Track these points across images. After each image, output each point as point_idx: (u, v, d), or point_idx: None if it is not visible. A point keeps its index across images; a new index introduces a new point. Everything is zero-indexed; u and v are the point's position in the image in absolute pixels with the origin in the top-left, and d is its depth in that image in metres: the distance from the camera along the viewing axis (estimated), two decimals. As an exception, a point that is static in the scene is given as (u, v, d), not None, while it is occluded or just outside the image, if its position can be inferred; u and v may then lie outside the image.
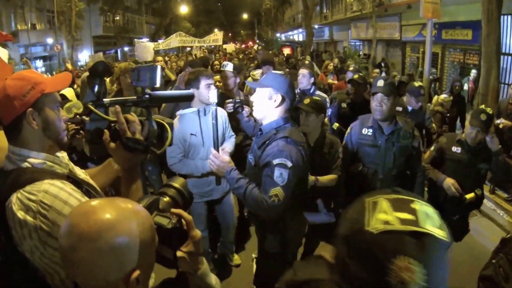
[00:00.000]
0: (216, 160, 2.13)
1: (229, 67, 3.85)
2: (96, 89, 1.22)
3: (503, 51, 9.08)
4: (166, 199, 1.09)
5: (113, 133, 1.22)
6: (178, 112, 3.01)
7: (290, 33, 35.53)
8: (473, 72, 8.82)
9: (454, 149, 2.96)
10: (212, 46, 19.62)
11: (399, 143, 2.69)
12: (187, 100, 1.38)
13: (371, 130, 2.74)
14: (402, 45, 16.56)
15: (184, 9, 38.06)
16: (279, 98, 2.06)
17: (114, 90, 4.22)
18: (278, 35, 36.50)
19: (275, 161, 1.93)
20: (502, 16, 8.71)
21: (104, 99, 1.22)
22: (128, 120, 1.22)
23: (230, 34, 39.64)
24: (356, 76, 4.26)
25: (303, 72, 4.53)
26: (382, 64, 10.47)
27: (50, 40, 23.75)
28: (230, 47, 21.14)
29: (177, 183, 1.14)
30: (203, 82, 2.84)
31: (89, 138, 1.23)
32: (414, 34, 14.48)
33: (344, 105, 4.30)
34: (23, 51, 22.15)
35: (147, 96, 1.30)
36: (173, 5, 39.36)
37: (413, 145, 2.72)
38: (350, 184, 2.91)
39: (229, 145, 3.18)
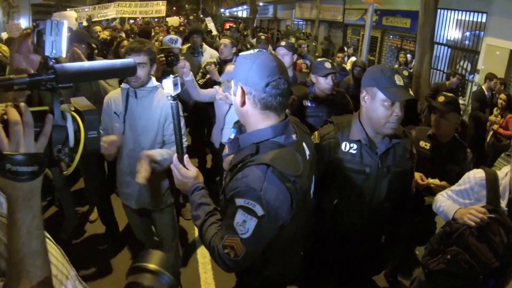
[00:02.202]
0: (177, 173, 1.47)
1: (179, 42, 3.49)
2: None
3: (437, 40, 9.68)
4: None
5: None
6: (122, 85, 2.38)
7: (234, 9, 34.66)
8: (401, 54, 9.20)
9: (422, 144, 2.45)
10: (156, 19, 18.21)
11: (397, 168, 1.82)
12: (125, 74, 0.97)
13: (355, 146, 1.78)
14: (344, 27, 17.02)
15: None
16: (239, 91, 1.35)
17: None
18: (222, 10, 35.44)
19: (238, 202, 1.23)
20: (438, 10, 9.23)
21: None
22: (6, 120, 0.67)
23: (174, 8, 37.66)
24: (360, 62, 3.47)
25: (224, 42, 4.07)
26: (345, 48, 10.16)
27: (-18, 7, 20.76)
28: (173, 20, 19.33)
29: (153, 262, 0.74)
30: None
31: None
32: (356, 17, 14.95)
33: (307, 103, 3.14)
34: None
35: (51, 71, 0.74)
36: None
37: (412, 166, 1.96)
38: (316, 223, 1.92)
39: (161, 152, 2.28)
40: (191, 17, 5.79)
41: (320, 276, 2.13)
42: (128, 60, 0.87)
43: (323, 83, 2.94)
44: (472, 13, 8.78)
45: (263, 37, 6.13)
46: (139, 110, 2.33)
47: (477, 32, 8.82)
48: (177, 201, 3.84)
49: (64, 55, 0.77)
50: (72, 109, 0.78)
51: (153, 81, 2.38)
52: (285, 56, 3.31)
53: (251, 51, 1.38)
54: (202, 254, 3.37)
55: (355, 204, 1.85)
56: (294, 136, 1.38)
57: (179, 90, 1.39)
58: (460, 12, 9.24)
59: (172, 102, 1.42)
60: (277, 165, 1.22)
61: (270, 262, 1.45)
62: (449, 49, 10.02)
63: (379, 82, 1.70)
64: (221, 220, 1.36)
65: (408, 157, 1.88)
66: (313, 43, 15.98)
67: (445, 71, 9.92)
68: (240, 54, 1.41)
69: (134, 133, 2.34)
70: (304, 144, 1.45)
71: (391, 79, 1.68)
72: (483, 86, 5.89)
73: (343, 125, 1.84)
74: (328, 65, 2.96)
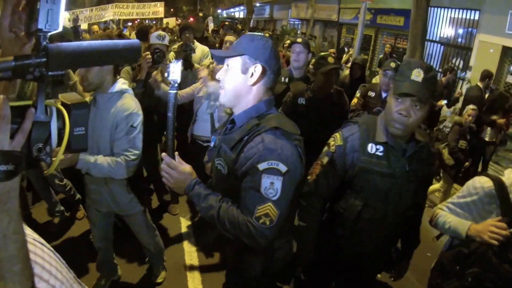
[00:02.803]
0: (171, 172, 1.39)
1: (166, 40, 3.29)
2: None
3: (431, 38, 9.66)
4: None
5: None
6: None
7: (232, 10, 34.60)
8: (388, 45, 9.14)
9: None
10: (154, 21, 18.09)
11: (422, 172, 1.68)
12: (130, 58, 0.67)
13: (381, 148, 1.62)
14: (339, 26, 16.98)
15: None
16: (258, 69, 1.34)
17: None
18: (219, 11, 35.34)
19: (262, 166, 1.25)
20: (430, 8, 9.21)
21: None
22: None
23: (172, 10, 37.53)
24: (359, 59, 3.40)
25: (230, 39, 3.76)
26: (346, 49, 9.96)
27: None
28: (171, 21, 18.04)
29: None
30: None
31: None
32: (351, 16, 14.89)
33: (302, 101, 2.87)
34: None
35: (43, 53, 0.61)
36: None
37: (434, 171, 1.82)
38: (330, 232, 1.81)
39: (102, 160, 1.99)
40: (200, 14, 5.78)
41: (325, 277, 2.02)
42: (133, 40, 0.70)
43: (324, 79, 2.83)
44: (464, 11, 8.74)
45: (267, 35, 6.08)
46: (98, 118, 2.05)
47: (469, 29, 8.79)
48: (161, 198, 3.84)
49: (60, 29, 0.62)
50: (59, 103, 0.68)
51: (118, 85, 2.07)
52: (301, 54, 3.14)
53: (259, 33, 1.50)
54: (188, 244, 3.37)
55: (380, 211, 1.68)
56: (280, 110, 1.57)
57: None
58: (453, 10, 9.21)
59: (173, 91, 1.31)
60: (283, 127, 1.32)
61: (281, 232, 1.41)
62: (442, 47, 9.98)
63: (399, 74, 1.58)
64: (236, 203, 1.37)
65: (431, 162, 1.75)
66: (312, 43, 15.93)
67: (437, 69, 9.89)
68: (248, 34, 1.48)
69: (93, 142, 2.08)
70: None
71: (409, 71, 1.51)
72: (479, 84, 5.80)
73: (368, 125, 1.67)
74: (330, 60, 2.83)
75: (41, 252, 0.75)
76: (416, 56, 6.90)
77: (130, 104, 2.06)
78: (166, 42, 3.10)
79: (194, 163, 2.45)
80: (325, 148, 1.74)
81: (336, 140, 1.70)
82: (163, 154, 1.41)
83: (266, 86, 1.40)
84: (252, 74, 1.35)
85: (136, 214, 2.47)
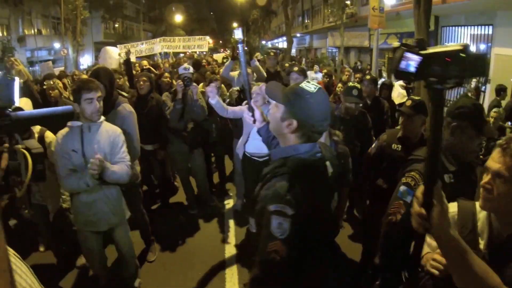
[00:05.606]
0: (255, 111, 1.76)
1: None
2: None
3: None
4: None
5: None
6: (69, 123, 2.47)
7: (275, 40, 36.03)
8: None
9: (394, 146, 2.48)
10: (204, 53, 18.71)
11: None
12: (66, 119, 1.19)
13: (452, 176, 1.73)
14: (371, 52, 17.21)
15: (178, 18, 38.22)
16: (293, 124, 1.39)
17: None
18: (263, 42, 36.89)
19: (271, 208, 1.28)
20: (450, 27, 9.44)
21: None
22: None
23: (221, 42, 39.77)
24: (388, 82, 3.98)
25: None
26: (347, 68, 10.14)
27: (57, 45, 23.39)
28: (218, 56, 16.90)
29: None
30: (84, 97, 2.37)
31: None
32: (381, 42, 15.13)
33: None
34: (29, 54, 22.32)
35: (7, 117, 0.89)
36: (168, 14, 39.54)
37: None
38: None
39: (113, 166, 2.42)
40: (272, 53, 6.15)
41: None
42: (67, 107, 1.05)
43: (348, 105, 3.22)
44: (479, 27, 8.87)
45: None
46: (94, 142, 2.43)
47: (485, 43, 8.87)
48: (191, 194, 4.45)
49: (17, 103, 0.95)
50: (23, 147, 0.96)
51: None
52: (298, 80, 3.45)
53: (312, 87, 1.39)
54: (229, 246, 3.77)
55: None
56: (318, 155, 1.45)
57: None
58: (469, 27, 9.36)
59: (240, 45, 1.92)
60: (298, 173, 1.33)
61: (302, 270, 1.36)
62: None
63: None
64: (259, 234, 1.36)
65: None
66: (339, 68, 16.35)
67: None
68: (301, 86, 1.41)
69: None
70: (327, 163, 1.48)
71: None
72: None
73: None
74: (355, 92, 3.14)
75: (14, 266, 0.77)
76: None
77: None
78: (190, 71, 4.04)
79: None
80: (403, 188, 1.80)
81: (416, 180, 1.77)
82: (249, 104, 1.83)
83: (303, 133, 1.41)
84: (289, 126, 1.40)
85: (125, 222, 2.75)
